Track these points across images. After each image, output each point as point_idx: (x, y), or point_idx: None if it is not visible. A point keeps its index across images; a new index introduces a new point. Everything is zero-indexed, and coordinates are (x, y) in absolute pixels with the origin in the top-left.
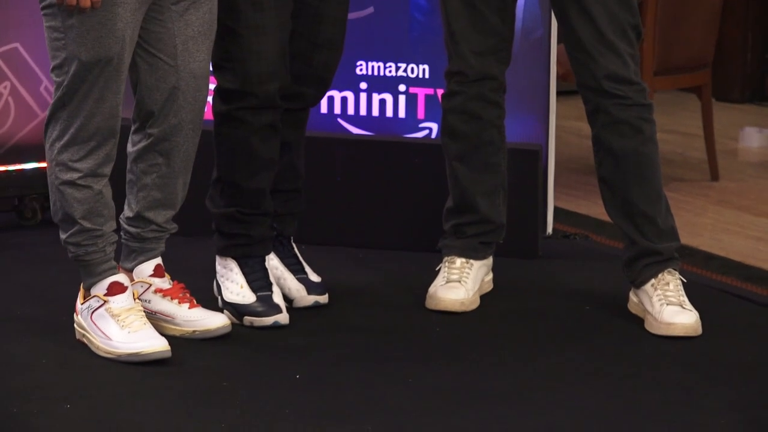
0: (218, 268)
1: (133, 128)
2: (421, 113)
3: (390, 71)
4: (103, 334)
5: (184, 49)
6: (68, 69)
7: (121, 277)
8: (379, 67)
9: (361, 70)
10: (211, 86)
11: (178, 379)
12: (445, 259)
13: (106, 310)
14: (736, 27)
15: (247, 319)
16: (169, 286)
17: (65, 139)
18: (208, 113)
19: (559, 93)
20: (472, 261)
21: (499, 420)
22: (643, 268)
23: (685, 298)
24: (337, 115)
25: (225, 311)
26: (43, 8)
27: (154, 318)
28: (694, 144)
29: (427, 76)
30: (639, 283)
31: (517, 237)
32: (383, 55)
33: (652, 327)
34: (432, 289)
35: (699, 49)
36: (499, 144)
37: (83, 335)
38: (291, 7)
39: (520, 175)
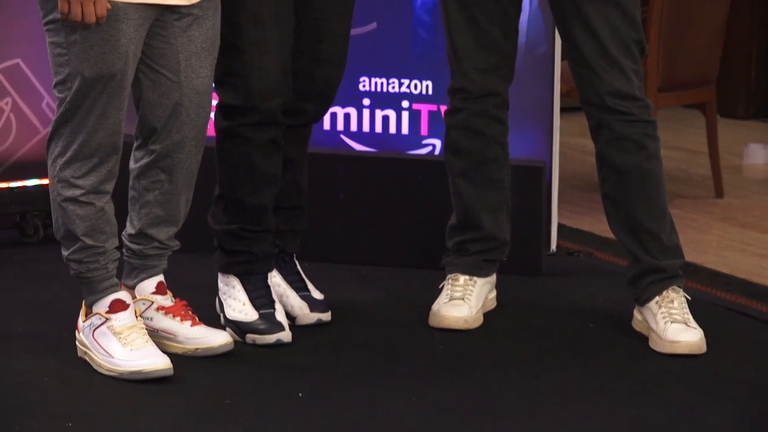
0: (220, 285)
1: (135, 145)
2: (424, 129)
3: (393, 87)
4: (105, 351)
5: (187, 65)
6: (71, 85)
7: (123, 295)
8: (382, 83)
9: (364, 86)
10: (213, 102)
11: (181, 397)
12: (449, 276)
13: (108, 327)
14: (740, 43)
15: (250, 337)
16: (171, 304)
17: (68, 155)
18: (210, 130)
19: (563, 109)
20: (475, 278)
21: None
22: (647, 285)
23: (690, 316)
24: (340, 132)
25: (227, 329)
26: (46, 23)
27: (157, 336)
28: (699, 160)
29: (430, 92)
30: (643, 301)
31: (520, 254)
32: (386, 71)
33: (656, 345)
34: (435, 306)
35: (703, 65)
36: (502, 160)
37: (85, 353)
38: (293, 24)
39: (523, 192)
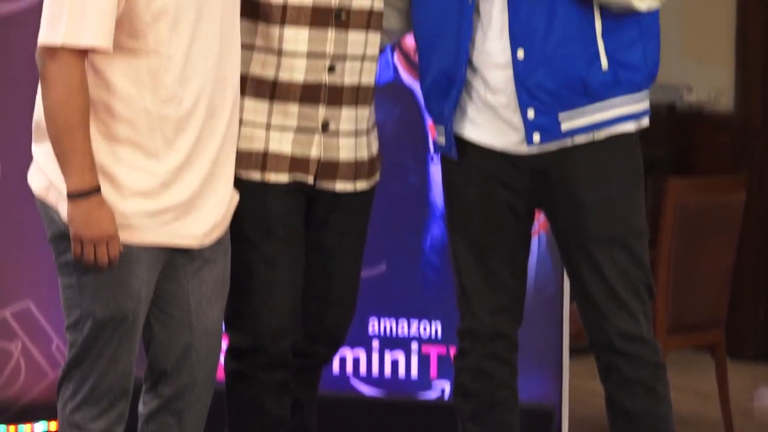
0: None
1: (144, 388)
2: (433, 372)
3: (402, 329)
4: None
5: (198, 307)
6: (82, 327)
7: None
8: (391, 326)
9: (373, 327)
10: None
11: None
12: None
13: None
14: (748, 286)
15: None
16: None
17: (77, 399)
18: (220, 373)
19: (572, 351)
20: None
21: None
22: None
23: None
24: (349, 375)
25: None
26: (59, 266)
27: None
28: (709, 404)
29: (439, 334)
30: None
31: None
32: (395, 312)
33: None
34: None
35: (712, 307)
36: (512, 404)
37: None
38: (303, 264)
39: None
